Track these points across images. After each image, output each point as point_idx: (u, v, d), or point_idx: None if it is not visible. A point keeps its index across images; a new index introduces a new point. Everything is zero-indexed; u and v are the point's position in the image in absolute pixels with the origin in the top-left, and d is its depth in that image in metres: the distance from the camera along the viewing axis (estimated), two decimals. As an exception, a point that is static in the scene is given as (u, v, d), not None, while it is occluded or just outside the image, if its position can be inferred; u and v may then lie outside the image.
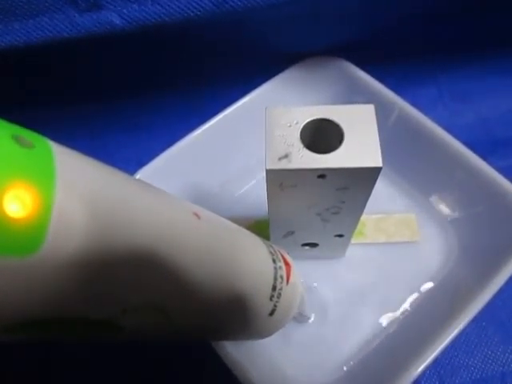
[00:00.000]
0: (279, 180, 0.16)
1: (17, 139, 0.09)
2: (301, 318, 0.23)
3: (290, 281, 0.18)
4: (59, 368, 0.24)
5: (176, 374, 0.24)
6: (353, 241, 0.23)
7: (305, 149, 0.15)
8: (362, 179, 0.16)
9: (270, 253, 0.18)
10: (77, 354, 0.24)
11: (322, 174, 0.16)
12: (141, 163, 0.25)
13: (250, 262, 0.16)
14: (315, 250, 0.23)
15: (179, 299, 0.13)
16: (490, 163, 0.24)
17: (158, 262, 0.12)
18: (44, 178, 0.09)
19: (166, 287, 0.13)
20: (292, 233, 0.21)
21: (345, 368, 0.22)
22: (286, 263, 0.18)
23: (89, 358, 0.24)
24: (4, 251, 0.08)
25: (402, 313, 0.23)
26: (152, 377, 0.24)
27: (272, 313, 0.17)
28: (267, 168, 0.15)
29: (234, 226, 0.17)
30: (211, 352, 0.20)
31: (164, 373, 0.24)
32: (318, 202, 0.18)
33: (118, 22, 0.20)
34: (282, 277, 0.17)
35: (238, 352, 0.20)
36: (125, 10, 0.20)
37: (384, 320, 0.23)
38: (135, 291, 0.12)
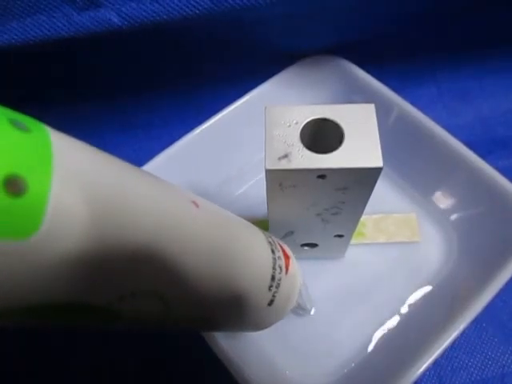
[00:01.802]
0: (279, 180, 0.16)
1: (14, 123, 0.09)
2: (300, 311, 0.23)
3: (289, 272, 0.18)
4: (59, 367, 0.24)
5: (176, 373, 0.24)
6: (352, 241, 0.23)
7: (305, 149, 0.15)
8: (363, 179, 0.16)
9: (269, 243, 0.18)
10: (77, 353, 0.24)
11: (322, 175, 0.15)
12: (139, 163, 0.24)
13: (249, 250, 0.16)
14: (315, 251, 0.23)
15: (178, 286, 0.13)
16: (490, 163, 0.24)
17: (156, 249, 0.12)
18: (41, 161, 0.09)
19: (164, 274, 0.13)
20: (291, 233, 0.21)
21: (345, 369, 0.22)
22: (286, 255, 0.18)
23: (89, 357, 0.24)
24: (1, 234, 0.08)
25: (402, 314, 0.23)
26: (152, 377, 0.24)
27: (271, 303, 0.17)
28: (267, 168, 0.15)
29: (232, 215, 0.17)
30: (211, 352, 0.20)
31: (164, 373, 0.24)
32: (318, 203, 0.18)
33: (116, 20, 0.20)
34: (280, 267, 0.17)
35: (236, 353, 0.20)
36: (123, 9, 0.20)
37: (384, 321, 0.23)
38: (134, 278, 0.12)
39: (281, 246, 0.19)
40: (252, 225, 0.18)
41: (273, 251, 0.17)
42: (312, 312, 0.23)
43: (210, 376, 0.23)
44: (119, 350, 0.24)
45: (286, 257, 0.18)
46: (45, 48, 0.21)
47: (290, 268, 0.18)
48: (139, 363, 0.24)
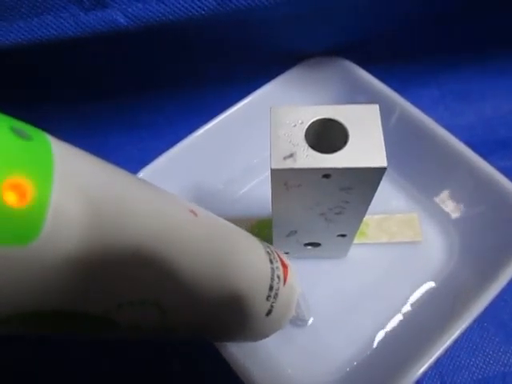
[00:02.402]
0: (284, 179, 0.16)
1: (15, 131, 0.09)
2: (299, 322, 0.23)
3: (287, 282, 0.18)
4: (59, 368, 0.24)
5: (176, 374, 0.24)
6: (355, 241, 0.23)
7: (310, 148, 0.15)
8: (367, 179, 0.16)
9: (267, 253, 0.18)
10: (77, 354, 0.24)
11: (327, 174, 0.16)
12: (142, 163, 0.24)
13: (247, 260, 0.16)
14: (317, 250, 0.23)
15: (175, 295, 0.13)
16: (491, 163, 0.24)
17: (155, 255, 0.12)
18: (42, 169, 0.09)
19: (162, 282, 0.13)
20: (295, 232, 0.21)
21: (347, 368, 0.22)
22: (284, 265, 0.18)
23: (89, 357, 0.24)
24: (1, 240, 0.08)
25: (404, 313, 0.23)
26: (152, 377, 0.24)
27: (269, 313, 0.17)
28: (272, 167, 0.15)
29: (231, 225, 0.17)
30: (212, 352, 0.20)
31: (164, 373, 0.24)
32: (322, 202, 0.18)
33: (122, 20, 0.20)
34: (278, 277, 0.17)
35: (240, 352, 0.20)
36: (129, 9, 0.20)
37: (386, 320, 0.23)
38: (132, 285, 0.12)
39: (279, 256, 0.19)
40: (250, 235, 0.18)
41: (271, 261, 0.17)
42: (310, 322, 0.23)
43: (210, 376, 0.23)
44: (119, 350, 0.24)
45: (284, 266, 0.18)
46: (50, 48, 0.21)
47: (288, 278, 0.18)
48: (139, 363, 0.24)
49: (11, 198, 0.08)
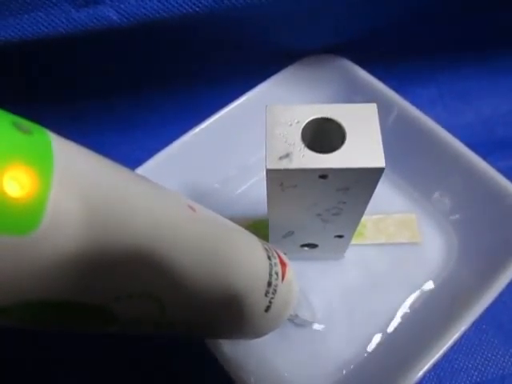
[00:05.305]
0: (280, 180, 0.16)
1: (17, 125, 0.10)
2: (300, 321, 0.23)
3: (286, 279, 0.18)
4: (59, 367, 0.24)
5: (176, 373, 0.24)
6: (352, 242, 0.23)
7: (306, 148, 0.15)
8: (364, 180, 0.16)
9: (265, 249, 0.18)
10: (77, 353, 0.24)
11: (324, 174, 0.15)
12: (137, 162, 0.24)
13: (245, 255, 0.16)
14: (314, 251, 0.23)
15: (174, 288, 0.13)
16: (490, 163, 0.24)
17: (153, 250, 0.12)
18: (42, 161, 0.10)
19: (161, 276, 0.13)
20: (291, 233, 0.21)
21: (344, 371, 0.22)
22: (282, 262, 0.18)
23: (89, 357, 0.24)
24: (1, 229, 0.09)
25: (402, 315, 0.23)
26: (152, 376, 0.23)
27: (267, 309, 0.17)
28: (267, 168, 0.15)
29: (229, 222, 0.17)
30: (211, 352, 0.20)
31: (164, 372, 0.23)
32: (319, 203, 0.18)
33: (115, 17, 0.20)
34: (277, 273, 0.17)
35: (235, 355, 0.20)
36: (122, 6, 0.19)
37: (384, 322, 0.23)
38: (130, 279, 0.12)
39: (277, 254, 0.19)
40: (248, 232, 0.18)
41: (269, 257, 0.18)
42: (315, 326, 0.23)
43: (210, 376, 0.22)
44: (118, 349, 0.24)
45: (283, 264, 0.18)
46: (43, 46, 0.21)
47: (287, 275, 0.18)
48: (138, 363, 0.24)
49: (11, 188, 0.09)
